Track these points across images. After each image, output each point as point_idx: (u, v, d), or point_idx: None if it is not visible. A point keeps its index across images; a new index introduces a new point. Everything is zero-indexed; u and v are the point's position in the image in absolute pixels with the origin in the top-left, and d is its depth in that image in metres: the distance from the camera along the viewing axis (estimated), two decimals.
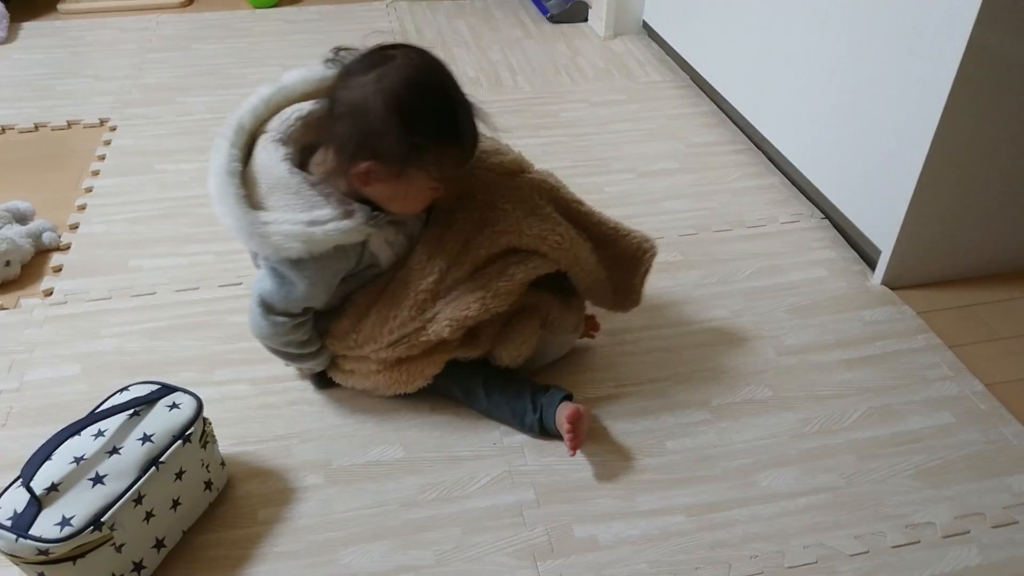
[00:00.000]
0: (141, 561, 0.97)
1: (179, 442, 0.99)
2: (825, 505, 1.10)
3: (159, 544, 0.99)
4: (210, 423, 1.07)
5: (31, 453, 0.94)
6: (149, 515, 0.96)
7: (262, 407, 1.24)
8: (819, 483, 1.13)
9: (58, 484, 0.92)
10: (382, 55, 1.02)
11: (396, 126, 0.97)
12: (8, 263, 1.49)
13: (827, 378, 1.30)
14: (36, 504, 0.90)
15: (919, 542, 1.05)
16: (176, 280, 1.51)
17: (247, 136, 1.08)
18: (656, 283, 1.50)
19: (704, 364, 1.32)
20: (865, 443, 1.19)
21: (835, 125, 1.57)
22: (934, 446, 1.19)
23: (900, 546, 1.05)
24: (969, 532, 1.07)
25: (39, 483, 0.91)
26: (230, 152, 1.05)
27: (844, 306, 1.45)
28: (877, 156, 1.45)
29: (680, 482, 1.13)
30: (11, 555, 0.90)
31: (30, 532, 0.88)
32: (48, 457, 0.94)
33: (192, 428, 1.01)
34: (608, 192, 1.78)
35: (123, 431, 0.99)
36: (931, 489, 1.12)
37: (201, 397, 1.06)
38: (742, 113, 1.97)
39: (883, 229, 1.47)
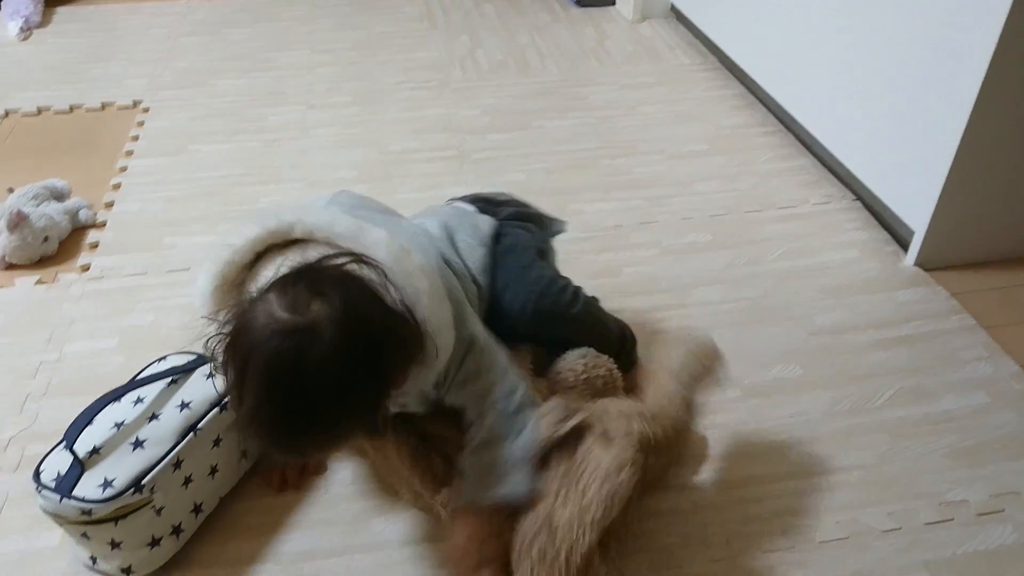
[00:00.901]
0: (179, 525, 0.98)
1: (216, 410, 1.01)
2: (857, 482, 1.10)
3: (197, 509, 1.01)
4: None
5: (72, 420, 0.96)
6: (188, 480, 0.97)
7: None
8: (851, 461, 1.13)
9: (100, 448, 0.94)
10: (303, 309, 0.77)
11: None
12: (46, 239, 1.52)
13: (859, 358, 1.29)
14: (79, 466, 0.92)
15: (953, 519, 1.04)
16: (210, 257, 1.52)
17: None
18: (687, 264, 1.50)
19: (735, 343, 1.32)
20: (898, 422, 1.18)
21: (868, 106, 1.56)
22: (968, 426, 1.18)
23: (934, 523, 1.04)
24: (1004, 511, 1.06)
25: (81, 447, 0.93)
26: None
27: (876, 287, 1.44)
28: (911, 136, 1.44)
29: (711, 458, 1.13)
30: (56, 515, 0.92)
31: (73, 493, 0.90)
32: (90, 422, 0.96)
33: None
34: (637, 173, 1.78)
35: (162, 398, 1.00)
36: (965, 468, 1.11)
37: None
38: (772, 95, 1.96)
39: (916, 210, 1.45)
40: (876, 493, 1.08)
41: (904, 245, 1.52)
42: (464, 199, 1.23)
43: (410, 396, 0.97)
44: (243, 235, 0.89)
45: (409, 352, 0.83)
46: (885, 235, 1.57)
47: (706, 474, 1.11)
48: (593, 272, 1.48)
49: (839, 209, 1.65)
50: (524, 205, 1.25)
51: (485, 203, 1.21)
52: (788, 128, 1.93)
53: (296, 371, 0.74)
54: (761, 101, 2.05)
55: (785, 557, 1.00)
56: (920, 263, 1.48)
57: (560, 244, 1.54)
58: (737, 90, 2.11)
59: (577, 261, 1.50)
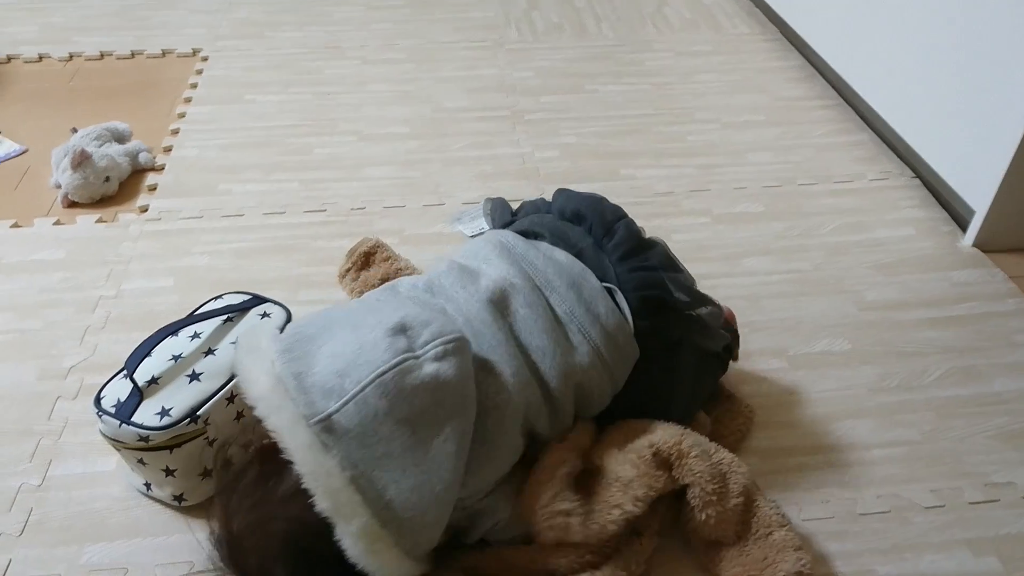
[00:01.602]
0: (230, 459, 1.01)
1: None
2: (901, 458, 1.09)
3: (247, 446, 1.04)
4: None
5: (128, 353, 0.98)
6: (239, 415, 1.00)
7: None
8: (896, 436, 1.12)
9: (158, 378, 0.97)
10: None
11: None
12: (107, 179, 1.56)
13: (909, 335, 1.28)
14: (138, 394, 0.95)
15: (998, 500, 1.03)
16: (264, 204, 1.55)
17: None
18: (737, 233, 1.49)
19: (782, 314, 1.31)
20: (946, 401, 1.17)
21: (934, 81, 1.51)
22: (1018, 409, 1.16)
23: (978, 503, 1.03)
24: None
25: (141, 376, 0.96)
26: None
27: (931, 266, 1.41)
28: (977, 113, 1.40)
29: (755, 426, 1.13)
30: (114, 440, 0.95)
31: (132, 419, 0.93)
32: (148, 353, 0.99)
33: None
34: (691, 141, 1.76)
35: (218, 334, 1.03)
36: (1013, 451, 1.10)
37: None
38: (833, 68, 1.91)
39: (978, 189, 1.42)
40: (920, 470, 1.07)
41: (963, 225, 1.48)
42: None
43: None
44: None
45: None
46: (943, 214, 1.53)
47: (748, 441, 1.11)
48: None
49: (896, 186, 1.62)
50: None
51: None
52: (848, 102, 1.89)
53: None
54: (821, 73, 2.00)
55: (824, 526, 1.00)
56: (979, 244, 1.44)
57: None
58: (796, 62, 2.07)
59: None
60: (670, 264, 1.03)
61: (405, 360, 0.80)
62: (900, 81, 1.64)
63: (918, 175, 1.64)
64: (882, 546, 0.98)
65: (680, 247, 1.44)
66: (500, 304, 0.91)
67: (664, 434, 0.94)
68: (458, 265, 0.97)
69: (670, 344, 0.98)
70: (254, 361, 0.83)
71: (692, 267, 1.38)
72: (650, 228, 1.48)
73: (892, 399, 1.17)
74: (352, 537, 0.76)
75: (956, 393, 1.18)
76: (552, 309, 0.92)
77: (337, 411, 0.78)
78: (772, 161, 1.69)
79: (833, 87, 1.95)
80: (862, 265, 1.41)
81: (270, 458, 0.80)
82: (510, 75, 2.01)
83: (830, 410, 1.15)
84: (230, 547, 0.81)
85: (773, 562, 0.89)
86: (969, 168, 1.45)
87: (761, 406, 1.15)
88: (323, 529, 0.76)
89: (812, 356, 1.24)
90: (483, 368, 0.87)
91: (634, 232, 1.03)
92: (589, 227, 1.03)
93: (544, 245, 1.01)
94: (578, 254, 1.00)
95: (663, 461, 0.93)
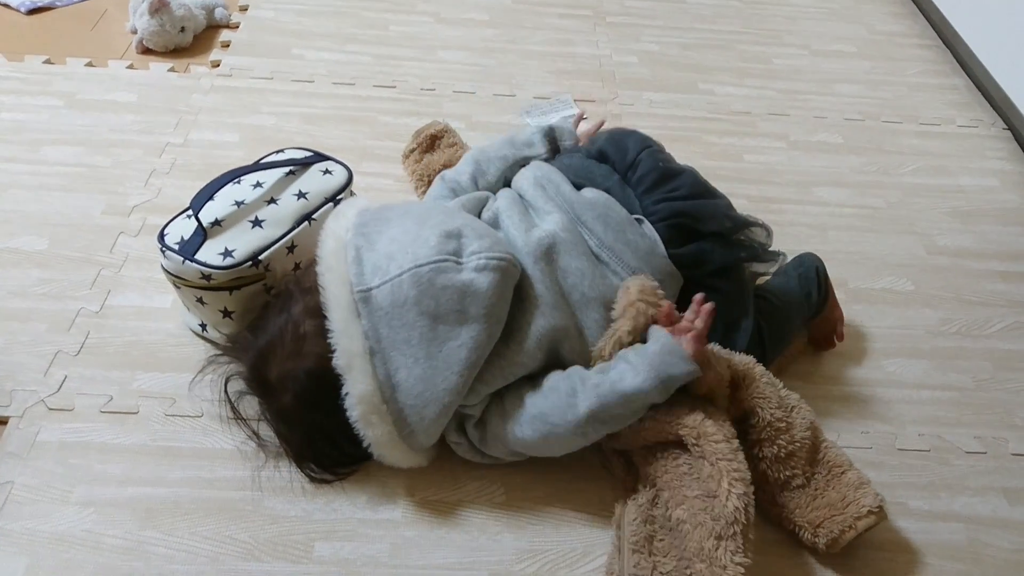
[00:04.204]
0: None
1: (331, 204, 1.03)
2: (950, 402, 1.07)
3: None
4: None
5: (191, 199, 0.99)
6: (297, 266, 1.01)
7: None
8: (948, 381, 1.10)
9: (221, 220, 0.98)
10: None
11: None
12: (183, 29, 1.55)
13: (976, 285, 1.24)
14: (202, 233, 0.96)
15: None
16: (334, 73, 1.53)
17: None
18: (813, 161, 1.44)
19: (848, 247, 1.27)
20: (1005, 354, 1.14)
21: None
22: None
23: (1022, 455, 1.01)
24: None
25: (205, 216, 0.97)
26: None
27: (1011, 219, 1.36)
28: None
29: (804, 350, 1.11)
30: (177, 276, 0.97)
31: (196, 257, 0.94)
32: (211, 197, 1.00)
33: (343, 194, 1.05)
34: (776, 64, 1.69)
35: (280, 185, 1.03)
36: None
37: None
38: (937, 5, 1.81)
39: None
40: (967, 416, 1.06)
41: None
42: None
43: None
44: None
45: None
46: None
47: (795, 365, 1.09)
48: (712, 154, 1.43)
49: (986, 136, 1.54)
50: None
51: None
52: (947, 44, 1.79)
53: None
54: (923, 12, 1.90)
55: (861, 455, 0.99)
56: None
57: (683, 120, 1.51)
58: None
59: (698, 140, 1.47)
60: (703, 191, 1.00)
61: (446, 261, 0.85)
62: (1008, 26, 1.54)
63: (1010, 127, 1.56)
64: (918, 482, 0.97)
65: (751, 168, 1.42)
66: (548, 255, 0.91)
67: (737, 358, 0.92)
68: (519, 206, 0.97)
69: (716, 271, 0.96)
70: (336, 224, 0.91)
71: (760, 190, 1.36)
72: (721, 146, 1.46)
73: (949, 344, 1.14)
74: (354, 398, 0.83)
75: (1017, 347, 1.15)
76: (589, 247, 0.93)
77: (376, 287, 0.84)
78: (859, 94, 1.62)
79: (934, 27, 1.85)
80: (938, 210, 1.36)
81: (314, 301, 0.86)
82: None
83: (884, 346, 1.13)
84: (258, 355, 0.89)
85: (854, 499, 0.86)
86: None
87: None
88: (337, 379, 0.84)
89: (873, 292, 1.21)
90: (522, 297, 0.89)
91: (658, 162, 1.01)
92: (613, 164, 1.03)
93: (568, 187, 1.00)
94: (605, 192, 0.99)
95: (732, 380, 0.91)
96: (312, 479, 0.91)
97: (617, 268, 0.92)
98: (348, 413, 0.84)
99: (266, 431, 0.93)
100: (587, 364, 0.90)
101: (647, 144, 1.03)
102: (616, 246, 0.93)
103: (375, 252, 0.87)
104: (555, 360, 0.90)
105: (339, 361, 0.83)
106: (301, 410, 0.87)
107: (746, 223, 1.01)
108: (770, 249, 1.03)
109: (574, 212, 0.95)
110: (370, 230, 0.89)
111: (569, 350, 0.90)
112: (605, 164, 1.04)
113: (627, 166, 1.02)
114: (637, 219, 0.97)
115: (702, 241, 0.96)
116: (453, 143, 1.34)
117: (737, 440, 0.85)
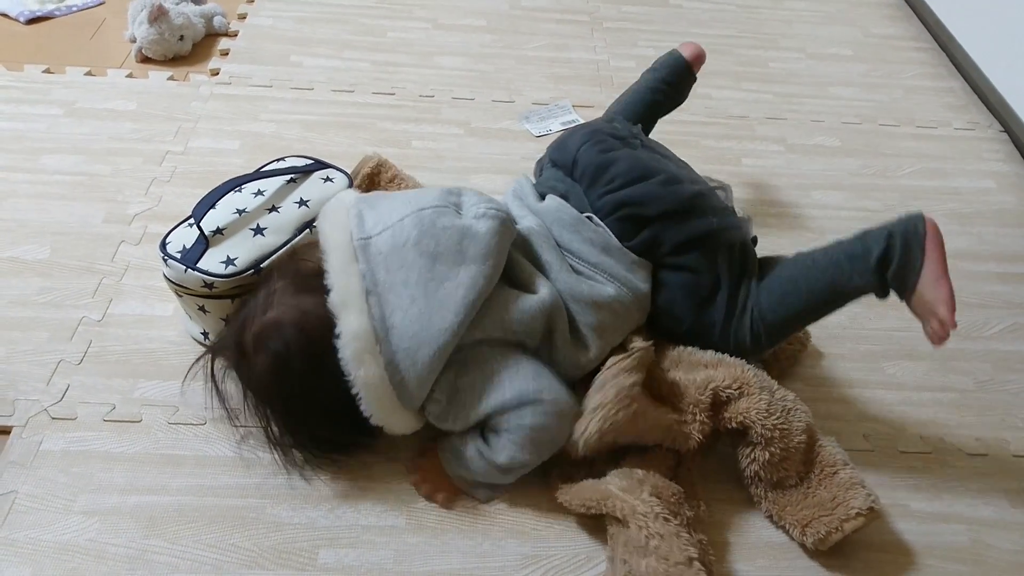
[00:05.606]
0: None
1: None
2: (951, 404, 1.07)
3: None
4: None
5: (192, 207, 0.99)
6: None
7: None
8: (948, 382, 1.10)
9: (223, 229, 0.98)
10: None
11: None
12: (182, 38, 1.55)
13: (975, 286, 1.24)
14: (204, 242, 0.96)
15: None
16: (333, 80, 1.54)
17: None
18: (810, 164, 1.45)
19: None
20: (1004, 355, 1.14)
21: None
22: None
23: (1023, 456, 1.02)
24: None
25: (207, 225, 0.97)
26: None
27: (1009, 221, 1.36)
28: None
29: (806, 353, 1.11)
30: (179, 285, 0.97)
31: (198, 265, 0.94)
32: (213, 205, 1.00)
33: None
34: (772, 68, 1.69)
35: (281, 193, 1.04)
36: None
37: None
38: (932, 9, 1.82)
39: None
40: (968, 418, 1.06)
41: None
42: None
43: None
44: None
45: None
46: None
47: (797, 368, 1.10)
48: (710, 157, 1.44)
49: (983, 138, 1.55)
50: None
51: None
52: (943, 47, 1.80)
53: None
54: (918, 15, 1.91)
55: (862, 458, 0.99)
56: None
57: (681, 125, 1.51)
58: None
59: (696, 144, 1.47)
60: (640, 175, 0.97)
61: (448, 207, 0.90)
62: (1003, 29, 1.55)
63: (1007, 129, 1.57)
64: (920, 484, 0.98)
65: (749, 171, 1.42)
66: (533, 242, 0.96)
67: (724, 372, 0.92)
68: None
69: (673, 250, 0.96)
70: (338, 199, 0.95)
71: (760, 193, 1.36)
72: (719, 148, 1.47)
73: (949, 346, 1.12)
74: (348, 336, 0.83)
75: (1016, 348, 1.15)
76: (558, 248, 0.96)
77: (378, 235, 0.87)
78: (855, 97, 1.63)
79: (929, 30, 1.86)
80: (936, 212, 1.37)
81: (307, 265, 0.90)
82: None
83: (885, 348, 1.14)
84: (239, 324, 0.88)
85: (843, 500, 0.87)
86: None
87: (815, 336, 1.14)
88: (329, 323, 0.83)
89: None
90: (519, 253, 0.93)
91: (592, 156, 1.00)
92: (563, 167, 1.04)
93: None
94: (563, 198, 1.01)
95: (719, 402, 0.91)
96: (294, 464, 0.91)
97: (581, 268, 0.94)
98: (341, 353, 0.82)
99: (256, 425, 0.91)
100: (575, 358, 0.92)
101: (587, 139, 1.02)
102: (573, 246, 0.96)
103: (375, 211, 0.90)
104: (548, 345, 0.92)
105: (335, 299, 0.83)
106: (278, 370, 0.85)
107: (692, 194, 0.97)
108: (729, 207, 1.03)
109: (541, 219, 0.98)
110: (371, 200, 0.93)
111: (562, 343, 0.91)
112: (557, 169, 1.05)
113: (571, 166, 1.03)
114: (588, 217, 0.98)
115: (651, 226, 0.96)
116: (393, 177, 1.24)
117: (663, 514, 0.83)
